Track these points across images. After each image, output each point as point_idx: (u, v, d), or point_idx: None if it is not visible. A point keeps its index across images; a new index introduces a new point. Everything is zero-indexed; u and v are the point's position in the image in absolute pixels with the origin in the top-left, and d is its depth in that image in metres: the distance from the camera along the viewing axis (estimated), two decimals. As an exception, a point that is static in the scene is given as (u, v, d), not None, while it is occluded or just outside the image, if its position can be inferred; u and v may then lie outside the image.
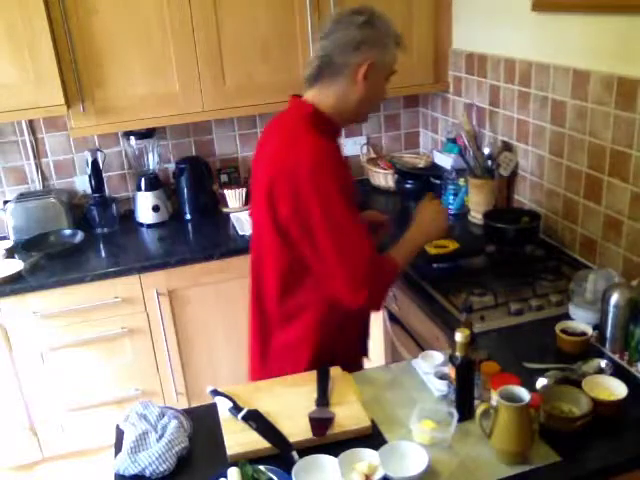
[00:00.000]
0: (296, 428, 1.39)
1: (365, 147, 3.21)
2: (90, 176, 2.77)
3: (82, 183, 2.90)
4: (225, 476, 1.27)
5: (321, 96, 1.58)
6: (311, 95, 1.60)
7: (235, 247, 2.57)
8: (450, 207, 2.65)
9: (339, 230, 1.49)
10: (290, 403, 1.48)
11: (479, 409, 1.33)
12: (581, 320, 1.75)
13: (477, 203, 2.53)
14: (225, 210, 2.93)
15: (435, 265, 2.17)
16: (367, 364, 1.96)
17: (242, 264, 2.59)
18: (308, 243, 1.52)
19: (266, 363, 1.75)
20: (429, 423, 1.37)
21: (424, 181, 2.80)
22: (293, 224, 1.52)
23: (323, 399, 1.47)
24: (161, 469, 1.32)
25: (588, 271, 1.87)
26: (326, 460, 1.29)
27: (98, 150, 2.82)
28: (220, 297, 2.63)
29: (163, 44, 2.50)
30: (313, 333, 1.66)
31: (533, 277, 2.05)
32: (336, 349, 1.70)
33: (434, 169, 2.90)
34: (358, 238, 1.51)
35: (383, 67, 1.56)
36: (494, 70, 2.56)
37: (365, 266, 1.50)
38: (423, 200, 1.81)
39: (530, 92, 2.34)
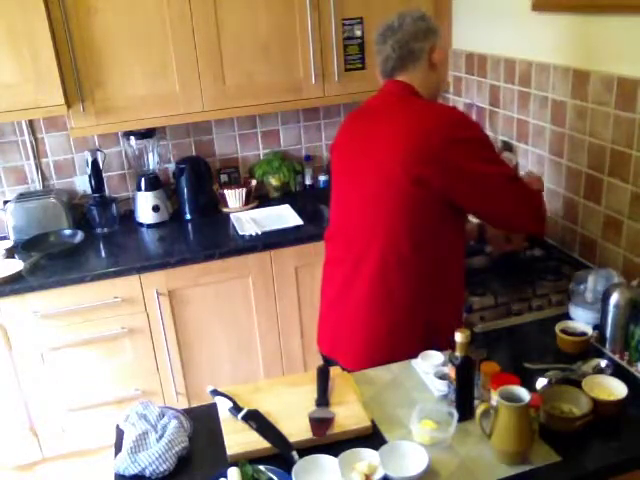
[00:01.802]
0: (296, 428, 1.39)
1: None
2: (90, 176, 2.77)
3: (82, 183, 2.91)
4: (225, 476, 1.27)
5: (408, 81, 1.69)
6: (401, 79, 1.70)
7: (235, 247, 2.57)
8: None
9: (508, 174, 1.64)
10: (290, 403, 1.48)
11: (479, 409, 1.33)
12: (581, 320, 1.75)
13: (477, 203, 2.52)
14: (225, 210, 2.93)
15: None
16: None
17: (242, 264, 2.60)
18: (481, 192, 1.60)
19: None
20: (429, 423, 1.37)
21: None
22: (457, 181, 1.57)
23: (323, 399, 1.47)
24: (161, 469, 1.32)
25: (588, 271, 1.87)
26: (326, 460, 1.29)
27: (98, 150, 2.82)
28: (220, 297, 2.63)
29: (163, 44, 2.50)
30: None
31: (533, 277, 2.05)
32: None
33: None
34: (520, 177, 1.74)
35: (441, 50, 1.71)
36: (494, 70, 2.56)
37: (539, 200, 1.76)
38: None
39: (530, 92, 2.34)
